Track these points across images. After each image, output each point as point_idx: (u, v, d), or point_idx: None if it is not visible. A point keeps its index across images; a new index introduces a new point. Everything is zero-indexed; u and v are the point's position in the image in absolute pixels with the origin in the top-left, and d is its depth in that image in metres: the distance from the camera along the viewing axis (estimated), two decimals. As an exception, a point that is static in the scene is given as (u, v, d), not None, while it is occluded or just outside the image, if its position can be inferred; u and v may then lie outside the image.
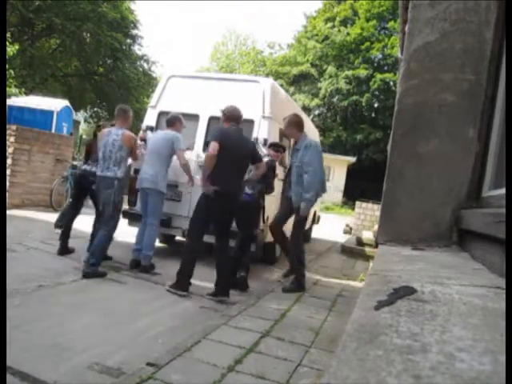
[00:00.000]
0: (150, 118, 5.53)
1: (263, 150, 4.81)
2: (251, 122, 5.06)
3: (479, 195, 1.66)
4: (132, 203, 5.26)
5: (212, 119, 5.19)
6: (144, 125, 5.52)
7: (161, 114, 5.42)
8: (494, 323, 0.70)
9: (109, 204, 4.23)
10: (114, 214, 4.34)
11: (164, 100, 5.51)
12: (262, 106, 5.10)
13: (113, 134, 4.26)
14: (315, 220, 9.33)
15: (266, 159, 4.52)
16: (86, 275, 4.05)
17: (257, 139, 4.98)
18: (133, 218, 5.18)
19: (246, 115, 4.83)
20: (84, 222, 5.21)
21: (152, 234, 4.55)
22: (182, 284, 3.85)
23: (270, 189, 4.72)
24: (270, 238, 5.35)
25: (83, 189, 4.77)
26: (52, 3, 14.57)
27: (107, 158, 4.23)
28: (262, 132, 5.04)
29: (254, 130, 5.07)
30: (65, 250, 4.74)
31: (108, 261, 4.60)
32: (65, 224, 4.86)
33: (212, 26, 68.93)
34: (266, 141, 5.00)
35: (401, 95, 1.79)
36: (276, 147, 4.82)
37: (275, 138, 5.24)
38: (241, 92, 5.21)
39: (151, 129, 5.39)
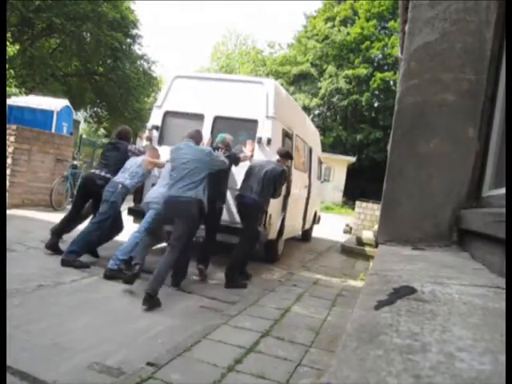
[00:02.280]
0: (155, 118, 5.59)
1: (244, 150, 4.93)
2: (255, 121, 5.18)
3: (479, 195, 1.66)
4: (137, 201, 5.36)
5: (217, 119, 5.31)
6: (150, 124, 5.60)
7: (166, 114, 5.53)
8: (494, 323, 0.70)
9: (107, 201, 4.46)
10: (107, 212, 4.46)
11: (170, 100, 5.57)
12: (265, 107, 5.18)
13: (141, 157, 4.74)
14: (316, 220, 9.44)
15: (243, 155, 4.78)
16: (63, 262, 4.24)
17: (260, 138, 5.09)
18: (137, 215, 5.20)
19: (250, 115, 5.16)
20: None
21: (132, 241, 4.21)
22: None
23: (277, 194, 4.87)
24: (271, 236, 5.50)
25: (88, 192, 4.79)
26: (52, 3, 14.54)
27: (126, 169, 4.63)
28: (266, 131, 5.13)
29: (257, 130, 5.16)
30: (54, 247, 4.68)
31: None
32: (61, 223, 4.83)
33: (212, 25, 68.90)
34: (269, 140, 5.07)
35: (401, 95, 1.79)
36: (282, 155, 4.90)
37: (278, 137, 5.34)
38: (245, 93, 5.33)
39: (156, 128, 5.49)
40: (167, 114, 5.54)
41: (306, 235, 8.83)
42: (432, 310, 0.77)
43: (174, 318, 3.30)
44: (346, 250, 8.09)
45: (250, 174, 4.69)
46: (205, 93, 5.45)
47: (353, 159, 23.54)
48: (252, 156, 4.92)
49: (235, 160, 4.60)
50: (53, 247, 4.67)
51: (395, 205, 1.78)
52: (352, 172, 24.14)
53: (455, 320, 0.71)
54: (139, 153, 4.87)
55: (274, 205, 5.32)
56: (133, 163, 4.68)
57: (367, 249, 7.84)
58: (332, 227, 11.79)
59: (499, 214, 1.08)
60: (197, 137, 4.15)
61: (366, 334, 0.65)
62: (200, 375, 2.28)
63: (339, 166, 22.33)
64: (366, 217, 10.57)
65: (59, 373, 2.21)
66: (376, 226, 7.83)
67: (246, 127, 5.26)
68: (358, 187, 23.96)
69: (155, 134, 5.43)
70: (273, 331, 3.07)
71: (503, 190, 1.29)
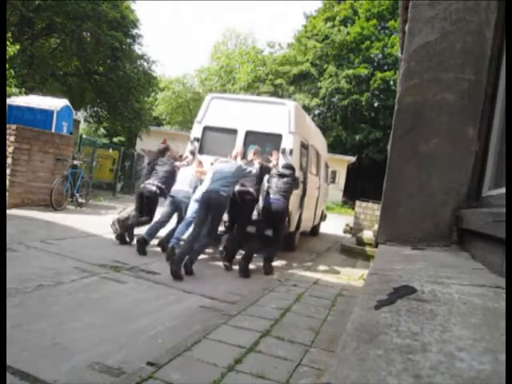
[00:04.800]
0: (196, 131, 6.72)
1: (270, 158, 6.07)
2: (279, 136, 6.31)
3: (479, 195, 1.67)
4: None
5: (248, 133, 6.43)
6: (192, 136, 6.72)
7: (205, 128, 6.66)
8: (494, 323, 0.70)
9: (184, 208, 5.70)
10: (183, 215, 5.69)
11: (208, 117, 6.67)
12: (288, 124, 6.32)
13: (190, 168, 6.06)
14: (322, 217, 10.60)
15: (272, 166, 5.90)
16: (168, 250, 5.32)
17: (284, 149, 6.24)
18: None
19: (275, 130, 6.37)
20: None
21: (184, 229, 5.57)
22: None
23: (296, 188, 6.03)
24: (291, 229, 6.56)
25: (144, 197, 5.88)
26: (52, 2, 14.48)
27: (183, 179, 5.84)
28: (289, 144, 6.27)
29: (282, 143, 6.28)
30: (123, 239, 5.80)
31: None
32: (134, 222, 5.92)
33: (212, 25, 68.86)
34: (291, 151, 6.24)
35: (401, 95, 1.78)
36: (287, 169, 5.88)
37: (298, 148, 6.49)
38: (270, 112, 6.48)
39: (197, 140, 6.63)
40: (206, 128, 6.64)
41: (314, 230, 10.02)
42: (432, 309, 0.77)
43: (173, 318, 3.30)
44: (345, 249, 8.09)
45: (269, 191, 5.60)
46: (237, 111, 6.57)
47: (353, 159, 23.54)
48: (277, 164, 5.93)
49: (267, 170, 5.76)
50: (122, 240, 5.79)
51: (395, 205, 1.78)
52: (352, 172, 24.14)
53: (455, 320, 0.71)
54: (181, 166, 6.16)
55: (294, 203, 6.29)
56: (187, 173, 5.93)
57: (367, 249, 7.84)
58: (334, 225, 11.96)
59: (499, 213, 1.08)
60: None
61: (366, 334, 0.65)
62: (200, 375, 2.28)
63: (339, 166, 22.34)
64: (366, 217, 10.58)
65: (59, 372, 2.21)
66: (376, 226, 7.83)
67: (271, 140, 6.35)
68: (358, 187, 23.97)
69: (196, 144, 6.61)
70: (273, 331, 3.07)
71: (503, 190, 1.29)
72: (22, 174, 7.57)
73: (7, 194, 7.11)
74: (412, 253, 1.56)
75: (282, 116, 6.35)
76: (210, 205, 4.89)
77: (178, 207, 5.76)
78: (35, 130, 7.88)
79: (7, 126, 7.28)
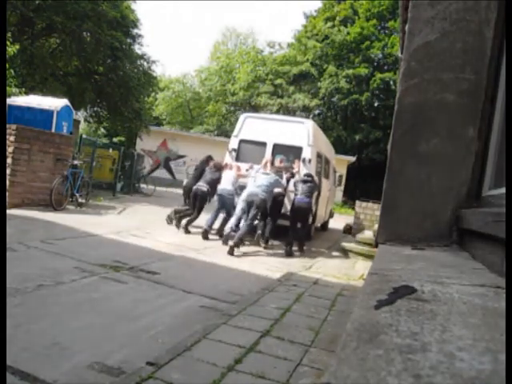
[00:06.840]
0: (233, 143, 8.38)
1: (293, 166, 7.83)
2: (300, 148, 7.95)
3: (479, 194, 1.67)
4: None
5: (275, 145, 8.06)
6: (230, 147, 8.35)
7: (241, 141, 8.33)
8: (494, 323, 0.70)
9: (231, 204, 7.45)
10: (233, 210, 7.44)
11: (243, 132, 8.32)
12: (307, 138, 7.98)
13: (233, 171, 7.69)
14: (331, 215, 12.18)
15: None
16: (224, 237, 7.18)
17: (304, 159, 7.85)
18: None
19: (297, 143, 8.01)
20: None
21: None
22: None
23: (319, 194, 8.07)
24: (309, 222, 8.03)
25: (198, 197, 7.54)
26: (52, 2, 14.46)
27: (227, 180, 7.50)
28: (308, 154, 7.90)
29: (302, 153, 7.89)
30: (187, 230, 7.44)
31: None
32: (192, 217, 7.64)
33: (212, 25, 68.88)
34: (310, 160, 7.86)
35: (401, 94, 1.78)
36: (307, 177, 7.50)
37: (314, 158, 8.09)
38: (293, 128, 8.15)
39: (234, 150, 8.28)
40: (241, 141, 8.30)
41: (324, 225, 11.53)
42: (432, 309, 0.77)
43: (174, 318, 3.30)
44: (345, 250, 8.09)
45: (296, 193, 7.20)
46: (267, 127, 8.21)
47: (353, 159, 23.52)
48: (298, 171, 7.62)
49: (292, 176, 7.48)
50: (186, 228, 7.49)
51: (395, 204, 1.78)
52: (352, 172, 24.13)
53: (455, 320, 0.71)
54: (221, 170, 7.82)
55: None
56: (230, 176, 7.57)
57: (367, 249, 7.83)
58: (335, 225, 12.02)
59: (499, 213, 1.08)
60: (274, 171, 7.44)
61: (366, 334, 0.65)
62: (200, 375, 2.28)
63: (339, 166, 22.27)
64: (366, 216, 10.59)
65: (59, 372, 2.21)
66: (376, 226, 7.84)
67: (294, 151, 7.97)
68: (358, 187, 23.97)
69: (233, 154, 8.23)
70: (273, 331, 3.07)
71: (503, 190, 1.29)
72: (22, 173, 7.56)
73: (7, 193, 7.11)
74: (412, 253, 1.55)
75: (302, 132, 8.02)
76: (253, 204, 6.80)
77: (224, 202, 7.42)
78: (35, 130, 7.87)
79: (7, 125, 7.27)
